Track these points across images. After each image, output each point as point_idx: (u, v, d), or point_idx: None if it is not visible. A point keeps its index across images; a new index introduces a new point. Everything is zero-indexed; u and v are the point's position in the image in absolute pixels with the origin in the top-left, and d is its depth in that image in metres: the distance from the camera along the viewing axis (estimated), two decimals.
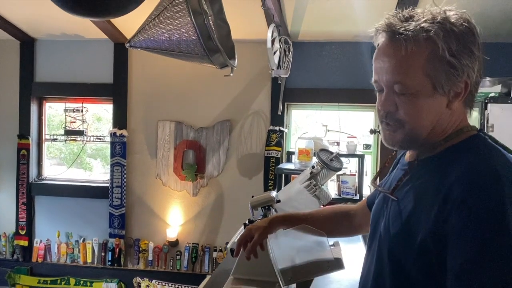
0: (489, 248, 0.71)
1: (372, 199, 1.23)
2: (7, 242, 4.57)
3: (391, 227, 0.92)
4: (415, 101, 0.86)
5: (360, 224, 1.34)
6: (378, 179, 1.27)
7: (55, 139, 4.63)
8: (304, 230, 1.25)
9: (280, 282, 1.17)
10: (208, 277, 1.73)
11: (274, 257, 1.21)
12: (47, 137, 4.66)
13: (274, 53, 3.21)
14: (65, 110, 4.52)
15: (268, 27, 3.09)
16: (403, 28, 0.85)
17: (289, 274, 1.16)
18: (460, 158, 0.84)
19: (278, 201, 1.51)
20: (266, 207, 1.51)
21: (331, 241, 1.35)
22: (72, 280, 4.42)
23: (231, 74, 1.69)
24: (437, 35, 0.82)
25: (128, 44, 1.65)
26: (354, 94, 3.96)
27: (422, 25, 0.83)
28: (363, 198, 1.35)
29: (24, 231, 4.50)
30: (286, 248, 1.25)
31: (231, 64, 1.60)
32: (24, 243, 4.51)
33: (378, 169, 1.26)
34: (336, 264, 1.19)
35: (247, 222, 1.44)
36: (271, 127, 4.11)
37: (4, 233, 4.58)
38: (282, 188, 3.17)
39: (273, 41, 3.15)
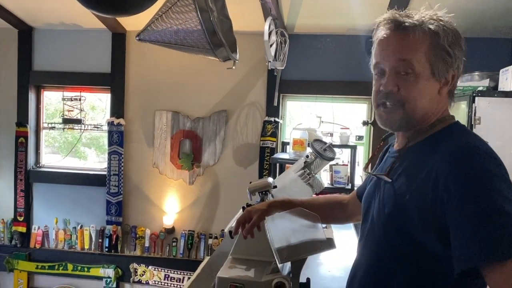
0: (483, 208, 0.81)
1: (362, 190, 1.32)
2: (5, 228, 4.64)
3: (386, 207, 1.02)
4: (416, 82, 0.97)
5: (352, 213, 1.43)
6: (369, 166, 1.37)
7: (53, 127, 4.68)
8: (300, 214, 1.35)
9: (277, 260, 1.26)
10: (207, 258, 1.82)
11: (271, 237, 1.30)
12: (45, 125, 4.71)
13: (271, 45, 3.28)
14: (63, 99, 4.57)
15: (265, 20, 3.16)
16: (409, 19, 0.97)
17: (284, 253, 1.25)
18: (444, 140, 0.96)
19: (275, 186, 1.60)
20: (263, 192, 1.60)
21: (324, 223, 1.46)
22: (70, 266, 4.51)
23: (234, 67, 1.78)
24: (439, 27, 0.96)
25: (137, 38, 1.74)
26: (348, 86, 4.05)
27: (426, 18, 0.98)
28: (355, 188, 1.45)
29: (22, 218, 4.57)
30: (282, 229, 1.34)
31: (233, 58, 1.69)
32: (22, 229, 4.58)
33: (370, 157, 1.36)
34: (328, 243, 1.28)
35: (245, 205, 1.53)
36: (266, 118, 4.19)
37: (3, 219, 4.64)
38: (277, 177, 3.27)
39: (270, 34, 3.22)
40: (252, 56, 4.10)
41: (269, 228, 1.33)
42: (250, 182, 1.65)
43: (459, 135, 0.98)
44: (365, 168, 1.26)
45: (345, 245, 1.46)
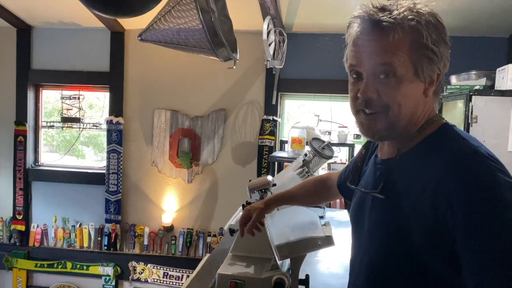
0: (495, 231, 0.71)
1: (344, 182, 1.30)
2: (4, 226, 4.65)
3: (381, 227, 0.93)
4: (398, 86, 0.86)
5: (336, 193, 1.45)
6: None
7: (51, 126, 4.69)
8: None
9: (276, 257, 1.27)
10: (207, 255, 1.84)
11: (271, 235, 1.31)
12: (44, 124, 4.72)
13: (269, 44, 3.30)
14: (62, 98, 4.58)
15: (264, 19, 3.17)
16: (386, 17, 0.85)
17: (284, 250, 1.26)
18: (438, 147, 0.85)
19: (274, 184, 1.62)
20: (263, 190, 1.62)
21: (323, 221, 1.48)
22: (69, 264, 4.52)
23: (234, 67, 1.79)
24: (421, 24, 0.84)
25: (139, 38, 1.76)
26: (346, 85, 4.02)
27: (405, 13, 0.85)
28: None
29: (21, 216, 4.58)
30: (281, 227, 1.36)
31: (234, 58, 1.71)
32: (21, 227, 4.59)
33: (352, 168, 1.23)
34: (327, 241, 1.30)
35: (245, 203, 1.55)
36: (264, 117, 4.21)
37: (1, 217, 4.65)
38: (275, 175, 3.29)
39: (268, 33, 3.24)
40: (250, 55, 4.12)
41: (268, 225, 1.35)
42: (250, 180, 1.67)
43: (454, 139, 0.86)
44: (352, 181, 1.12)
45: (343, 242, 1.48)
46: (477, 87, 2.83)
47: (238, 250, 1.54)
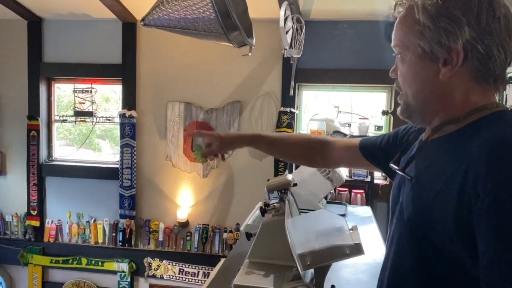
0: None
1: (368, 145, 1.25)
2: (19, 222, 4.61)
3: (407, 210, 0.89)
4: (404, 64, 0.89)
5: (335, 158, 1.35)
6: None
7: (64, 120, 4.61)
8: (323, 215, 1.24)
9: (299, 267, 1.15)
10: (222, 260, 1.71)
11: (292, 242, 1.18)
12: (57, 118, 4.65)
13: (287, 32, 3.14)
14: (74, 91, 4.49)
15: (280, 6, 3.01)
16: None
17: (307, 259, 1.14)
18: (479, 132, 0.78)
19: (295, 184, 1.47)
20: (282, 191, 1.48)
21: (350, 225, 1.33)
22: (84, 260, 4.47)
23: (250, 54, 1.64)
24: (421, 2, 0.83)
25: (142, 23, 1.61)
26: (367, 75, 3.88)
27: None
28: (357, 141, 1.31)
29: (36, 212, 4.53)
30: (304, 233, 1.22)
31: (249, 43, 1.55)
32: (36, 223, 4.55)
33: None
34: (356, 249, 1.16)
35: (262, 206, 1.42)
36: (282, 109, 4.05)
37: (16, 213, 4.61)
38: (294, 170, 3.14)
39: (285, 20, 3.07)
40: (266, 44, 3.95)
41: (289, 231, 1.21)
42: (268, 180, 1.52)
43: (500, 126, 0.78)
44: (395, 162, 1.03)
45: (369, 243, 1.34)
46: (511, 75, 2.63)
47: (255, 256, 1.41)
